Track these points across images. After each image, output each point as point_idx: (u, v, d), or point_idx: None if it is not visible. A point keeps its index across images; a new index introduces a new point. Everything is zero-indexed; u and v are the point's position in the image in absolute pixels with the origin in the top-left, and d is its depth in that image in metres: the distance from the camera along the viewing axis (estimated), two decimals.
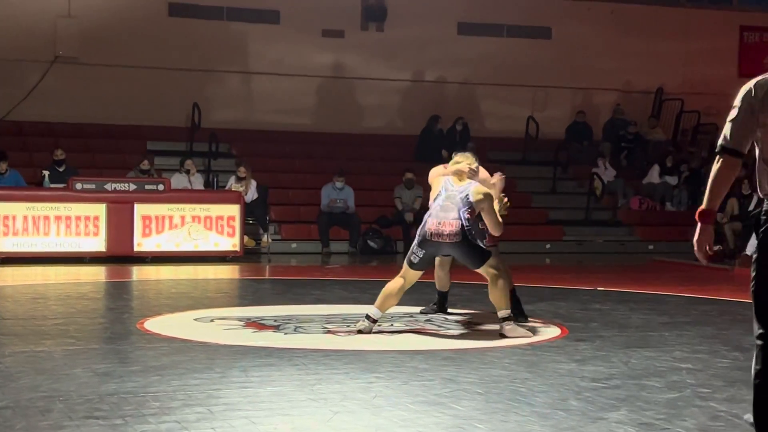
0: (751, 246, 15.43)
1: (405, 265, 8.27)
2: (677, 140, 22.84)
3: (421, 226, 8.27)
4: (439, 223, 8.10)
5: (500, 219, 8.38)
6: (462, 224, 8.05)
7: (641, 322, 9.04)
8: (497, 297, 8.09)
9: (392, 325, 8.55)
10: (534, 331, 8.33)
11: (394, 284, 8.20)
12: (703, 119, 22.60)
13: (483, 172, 8.83)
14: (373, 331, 8.13)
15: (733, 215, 17.92)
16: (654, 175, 20.97)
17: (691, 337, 8.21)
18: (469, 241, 8.11)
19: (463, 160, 8.46)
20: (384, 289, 8.21)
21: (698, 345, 7.76)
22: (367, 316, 8.15)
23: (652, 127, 22.68)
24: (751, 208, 17.48)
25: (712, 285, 12.90)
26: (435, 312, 9.32)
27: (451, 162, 8.54)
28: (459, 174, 8.34)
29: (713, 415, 5.37)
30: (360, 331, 8.08)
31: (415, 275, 8.26)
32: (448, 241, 8.08)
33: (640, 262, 17.42)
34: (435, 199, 8.31)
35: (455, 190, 8.23)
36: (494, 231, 8.41)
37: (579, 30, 22.48)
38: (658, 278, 14.04)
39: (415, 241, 8.26)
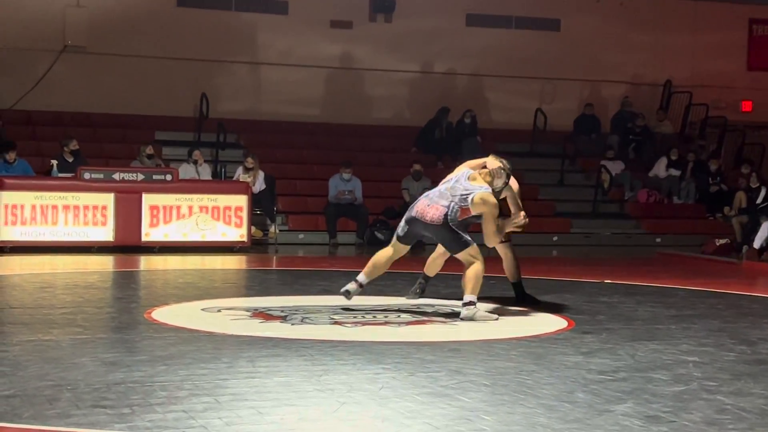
0: (759, 239, 15.47)
1: (394, 236, 8.73)
2: (685, 133, 22.80)
3: (414, 202, 8.60)
4: (428, 205, 8.43)
5: (497, 230, 8.54)
6: (447, 213, 8.33)
7: (648, 315, 9.04)
8: (467, 282, 8.28)
9: (399, 316, 8.55)
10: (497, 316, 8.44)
11: (383, 253, 8.74)
12: (712, 112, 22.57)
13: (513, 183, 8.98)
14: (381, 322, 8.14)
15: (740, 208, 17.90)
16: (661, 168, 20.94)
17: (697, 330, 8.20)
18: (449, 227, 8.35)
19: (497, 162, 8.53)
20: (373, 258, 8.74)
21: (705, 338, 7.76)
22: (356, 281, 8.60)
23: (660, 119, 22.65)
24: (758, 201, 17.47)
25: (720, 278, 12.88)
26: (419, 296, 9.37)
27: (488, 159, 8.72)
28: (483, 172, 8.46)
29: (720, 408, 5.37)
30: (347, 292, 8.51)
31: (401, 248, 8.72)
32: (429, 222, 8.37)
33: (648, 255, 17.41)
34: (443, 182, 8.49)
35: (464, 185, 8.37)
36: (487, 240, 8.60)
37: (588, 22, 22.45)
38: (665, 271, 14.03)
39: (405, 216, 8.62)
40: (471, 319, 8.21)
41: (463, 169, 8.62)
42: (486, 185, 8.48)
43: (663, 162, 20.93)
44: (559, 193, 20.48)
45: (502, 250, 9.33)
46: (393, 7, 21.25)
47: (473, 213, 8.41)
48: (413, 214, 8.47)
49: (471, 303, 8.27)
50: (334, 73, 21.37)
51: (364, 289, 8.72)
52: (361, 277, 8.64)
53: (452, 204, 8.34)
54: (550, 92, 22.49)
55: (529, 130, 21.56)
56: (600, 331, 7.97)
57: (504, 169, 8.67)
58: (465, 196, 8.36)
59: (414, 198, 17.81)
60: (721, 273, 13.85)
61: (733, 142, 22.83)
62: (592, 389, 5.78)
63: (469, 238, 8.44)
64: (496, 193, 8.58)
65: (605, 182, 20.35)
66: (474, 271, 8.30)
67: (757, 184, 18.00)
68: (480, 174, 8.54)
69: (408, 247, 8.73)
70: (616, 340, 7.53)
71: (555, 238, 19.01)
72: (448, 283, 10.06)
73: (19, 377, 5.79)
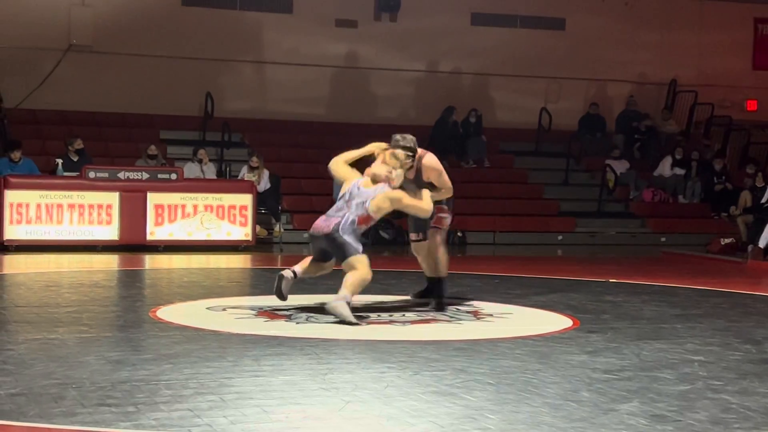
0: (764, 238, 15.45)
1: None
2: (690, 132, 22.78)
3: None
4: (324, 220, 8.39)
5: (424, 200, 8.44)
6: (338, 222, 8.28)
7: (653, 314, 9.03)
8: (348, 283, 8.15)
9: (404, 315, 8.55)
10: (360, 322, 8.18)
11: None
12: (717, 111, 22.56)
13: (429, 159, 8.76)
14: (386, 320, 8.15)
15: (745, 207, 17.88)
16: (665, 167, 20.93)
17: (703, 329, 8.19)
18: (338, 236, 8.27)
19: (389, 161, 8.51)
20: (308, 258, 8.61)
21: (710, 337, 7.75)
22: (293, 270, 8.44)
23: (665, 119, 22.64)
24: (763, 200, 17.45)
25: (725, 277, 12.86)
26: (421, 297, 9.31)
27: (392, 143, 8.61)
28: (374, 178, 8.47)
29: (725, 408, 5.36)
30: (281, 276, 8.34)
31: (325, 264, 8.59)
32: (321, 234, 8.32)
33: (653, 254, 17.39)
34: (339, 198, 8.55)
35: (360, 194, 8.43)
36: (422, 214, 8.50)
37: (593, 21, 22.44)
38: (671, 270, 14.02)
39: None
40: (335, 311, 7.99)
41: (354, 181, 8.57)
42: (382, 185, 8.45)
43: (668, 161, 20.92)
44: (564, 193, 20.48)
45: (431, 243, 8.99)
46: (398, 6, 21.26)
47: (378, 216, 8.41)
48: (310, 231, 8.48)
49: (342, 299, 8.07)
50: (339, 72, 21.38)
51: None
52: (298, 269, 8.50)
53: (346, 214, 8.34)
54: (555, 91, 22.47)
55: (534, 130, 21.56)
56: (605, 330, 7.97)
57: (397, 156, 8.53)
58: (361, 203, 8.37)
59: None
60: (726, 272, 13.84)
61: (738, 141, 22.81)
62: (597, 388, 5.77)
63: (359, 248, 8.31)
64: (406, 179, 8.54)
65: (610, 181, 20.35)
66: (357, 276, 8.17)
67: (763, 184, 17.99)
68: (372, 179, 8.51)
69: (331, 262, 8.53)
70: (622, 339, 7.52)
71: (560, 238, 19.01)
72: (455, 282, 10.05)
73: (24, 375, 5.80)
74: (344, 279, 8.22)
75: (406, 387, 5.72)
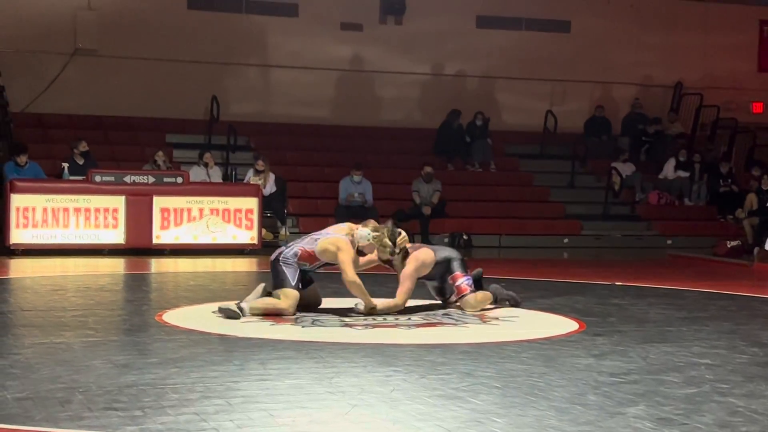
0: None
1: None
2: (696, 135, 22.77)
3: None
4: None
5: (352, 276, 8.47)
6: (282, 251, 8.51)
7: (659, 317, 9.02)
8: (263, 300, 8.40)
9: (410, 319, 8.55)
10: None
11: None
12: (723, 114, 22.53)
13: (419, 254, 8.88)
14: (392, 324, 8.16)
15: (751, 210, 17.86)
16: (669, 170, 20.91)
17: (709, 332, 8.19)
18: (278, 264, 8.45)
19: (375, 239, 8.62)
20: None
21: (717, 340, 7.74)
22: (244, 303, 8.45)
23: (671, 121, 22.62)
24: None
25: (731, 280, 12.85)
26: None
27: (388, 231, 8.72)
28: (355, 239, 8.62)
29: (732, 411, 5.36)
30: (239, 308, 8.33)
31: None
32: (270, 258, 8.60)
33: (659, 256, 17.38)
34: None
35: (324, 233, 8.63)
36: (346, 281, 8.54)
37: (598, 23, 22.44)
38: (677, 273, 14.01)
39: None
40: (225, 309, 8.28)
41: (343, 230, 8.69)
42: (344, 235, 8.54)
43: (671, 163, 20.90)
44: (569, 195, 20.46)
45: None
46: (403, 9, 21.26)
47: (321, 258, 8.50)
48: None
49: (241, 308, 8.28)
50: (344, 75, 21.38)
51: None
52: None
53: (294, 245, 8.55)
54: (561, 94, 22.47)
55: (539, 132, 21.55)
56: (611, 333, 7.96)
57: (383, 244, 8.63)
58: (315, 239, 8.52)
59: (424, 200, 17.95)
60: (732, 275, 13.83)
61: (744, 143, 22.78)
62: (604, 391, 5.77)
63: (292, 283, 8.41)
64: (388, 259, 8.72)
65: (616, 184, 20.33)
66: (274, 304, 8.36)
67: None
68: (352, 229, 8.63)
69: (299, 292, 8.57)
70: (628, 343, 7.52)
71: (566, 240, 19.00)
72: None
73: (31, 380, 5.81)
74: (265, 298, 8.41)
75: (412, 390, 5.72)
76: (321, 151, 19.97)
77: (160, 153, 16.87)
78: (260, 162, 17.05)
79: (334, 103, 21.31)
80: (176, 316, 8.48)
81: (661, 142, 21.92)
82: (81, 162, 16.21)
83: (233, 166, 18.22)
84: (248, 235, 15.60)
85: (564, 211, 19.92)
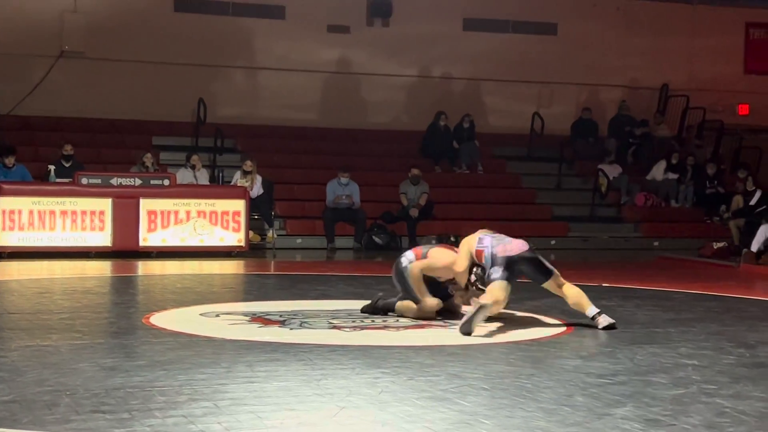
0: (757, 242, 15.48)
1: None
2: (682, 136, 22.83)
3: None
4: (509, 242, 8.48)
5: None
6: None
7: (647, 319, 9.04)
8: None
9: (398, 320, 8.55)
10: None
11: None
12: (709, 116, 22.60)
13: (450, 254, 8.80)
14: (380, 326, 8.15)
15: (736, 211, 17.91)
16: (659, 172, 20.95)
17: (696, 333, 8.20)
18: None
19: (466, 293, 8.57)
20: None
21: (704, 341, 7.76)
22: None
23: (658, 123, 22.68)
24: (752, 203, 17.51)
25: (718, 281, 12.88)
26: None
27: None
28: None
29: (719, 411, 5.37)
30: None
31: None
32: None
33: (646, 258, 17.41)
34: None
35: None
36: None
37: (585, 26, 22.48)
38: (664, 275, 14.03)
39: None
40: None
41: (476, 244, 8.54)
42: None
43: (662, 165, 20.93)
44: (556, 197, 20.50)
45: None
46: (390, 11, 21.27)
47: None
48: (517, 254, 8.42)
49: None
50: (331, 78, 21.38)
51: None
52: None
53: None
54: (548, 96, 22.51)
55: (526, 134, 21.58)
56: (599, 335, 7.97)
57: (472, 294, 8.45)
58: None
59: (411, 202, 17.95)
60: (719, 276, 13.85)
61: (730, 145, 22.85)
62: (592, 393, 5.78)
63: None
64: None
65: (602, 186, 20.36)
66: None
67: (753, 188, 18.03)
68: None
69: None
70: (615, 344, 7.52)
71: (553, 242, 19.01)
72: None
73: (17, 383, 5.79)
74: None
75: (401, 392, 5.72)
76: (308, 154, 19.96)
77: (148, 155, 16.84)
78: (248, 162, 17.04)
79: (321, 105, 21.31)
80: (163, 319, 8.46)
81: (647, 144, 21.97)
82: (67, 164, 16.16)
83: (220, 169, 18.18)
84: (235, 238, 15.58)
85: (551, 212, 19.95)
